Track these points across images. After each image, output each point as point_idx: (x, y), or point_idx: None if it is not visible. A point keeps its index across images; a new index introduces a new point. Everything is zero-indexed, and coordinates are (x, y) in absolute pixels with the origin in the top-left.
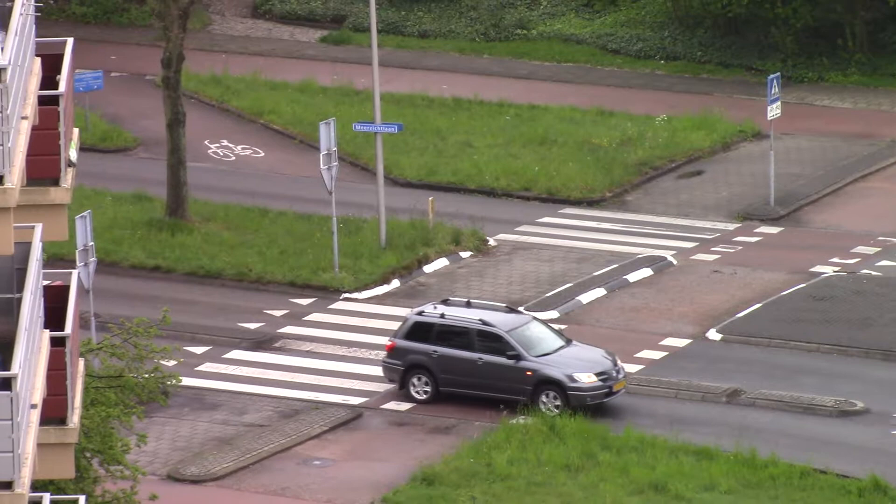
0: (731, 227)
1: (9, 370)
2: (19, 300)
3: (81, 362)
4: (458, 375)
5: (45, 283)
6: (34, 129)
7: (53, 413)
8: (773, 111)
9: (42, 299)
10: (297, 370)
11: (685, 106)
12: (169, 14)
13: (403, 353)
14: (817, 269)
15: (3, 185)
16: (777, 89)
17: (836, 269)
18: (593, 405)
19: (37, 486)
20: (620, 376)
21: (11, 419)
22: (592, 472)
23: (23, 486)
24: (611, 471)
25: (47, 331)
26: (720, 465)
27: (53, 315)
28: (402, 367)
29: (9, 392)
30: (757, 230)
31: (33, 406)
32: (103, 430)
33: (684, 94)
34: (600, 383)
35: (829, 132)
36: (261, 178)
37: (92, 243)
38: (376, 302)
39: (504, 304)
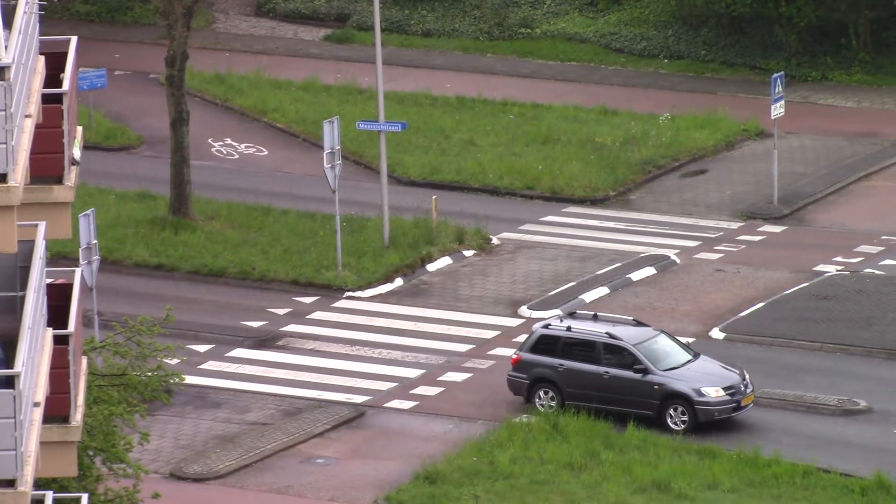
0: (735, 225)
1: (12, 368)
2: (23, 298)
3: (84, 360)
4: (583, 389)
5: (49, 281)
6: (38, 127)
7: (56, 411)
8: (777, 110)
9: (45, 297)
10: (301, 368)
11: (689, 105)
12: (173, 12)
13: (529, 366)
14: (820, 267)
15: (6, 183)
16: (781, 88)
17: (840, 268)
18: (721, 420)
19: (39, 484)
20: (748, 391)
21: (14, 417)
22: (595, 471)
23: (25, 485)
24: (614, 469)
25: (50, 329)
26: (723, 463)
27: (56, 313)
28: (527, 381)
29: (12, 390)
30: (760, 229)
31: (36, 404)
32: (106, 428)
33: (688, 93)
34: (728, 398)
35: (832, 131)
36: (264, 177)
37: (95, 241)
38: (380, 300)
39: (632, 318)
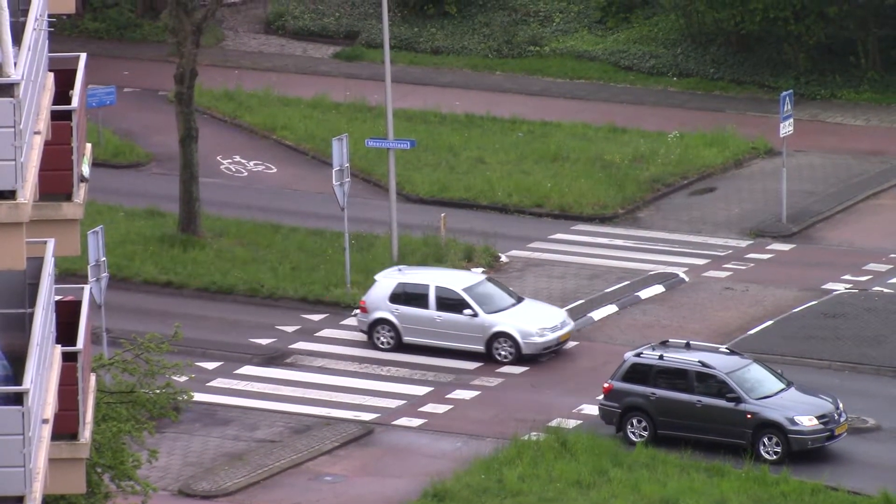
0: (744, 243)
1: (21, 385)
2: (31, 315)
3: (93, 377)
4: (676, 418)
5: (57, 298)
6: (47, 144)
7: (65, 428)
8: (786, 128)
9: (54, 314)
10: (309, 386)
11: (697, 122)
12: (182, 30)
13: (621, 395)
14: (829, 286)
15: (15, 199)
16: (789, 106)
17: (848, 286)
18: (814, 449)
19: (48, 500)
20: (842, 419)
21: (23, 434)
22: (604, 489)
23: (34, 501)
24: (622, 487)
25: (59, 346)
26: (731, 481)
27: (65, 330)
28: (619, 410)
29: (21, 407)
30: (769, 247)
31: (45, 421)
32: (115, 445)
33: (697, 111)
34: (821, 426)
35: (841, 149)
36: (273, 194)
37: (104, 258)
38: None
39: (724, 346)
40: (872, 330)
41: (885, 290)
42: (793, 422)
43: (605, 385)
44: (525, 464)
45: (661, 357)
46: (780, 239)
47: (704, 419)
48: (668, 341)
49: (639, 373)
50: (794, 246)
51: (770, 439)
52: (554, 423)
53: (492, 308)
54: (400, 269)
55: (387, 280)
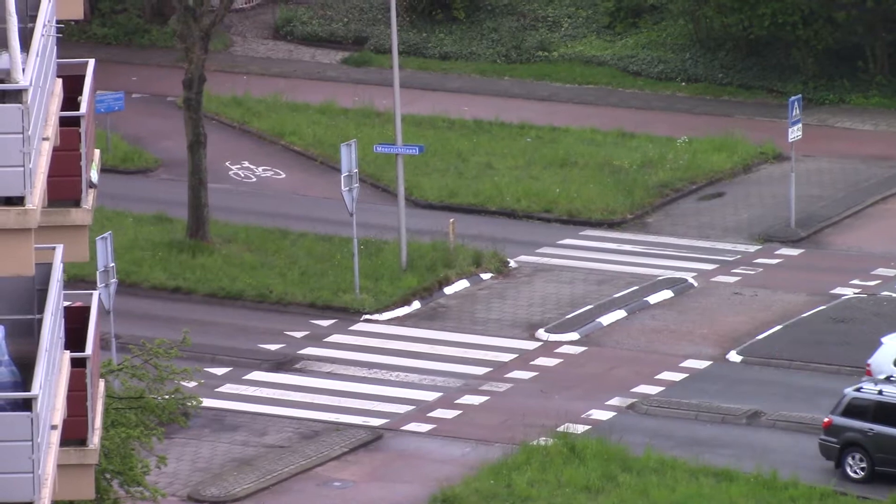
0: (752, 248)
1: (29, 391)
2: (40, 321)
3: (102, 383)
4: (893, 455)
5: (66, 304)
6: (55, 150)
7: (73, 434)
8: (794, 133)
9: (63, 320)
10: (318, 391)
11: (706, 128)
12: (190, 35)
13: (839, 430)
14: (837, 290)
15: (24, 206)
16: (798, 111)
17: (857, 290)
18: None
19: None
20: None
21: (32, 440)
22: (612, 494)
23: None
24: (631, 492)
25: (68, 352)
26: (740, 486)
27: (74, 336)
28: (837, 445)
29: (29, 413)
30: (777, 252)
31: (54, 427)
32: (123, 451)
33: (705, 116)
34: None
35: (849, 154)
36: (282, 200)
37: (113, 264)
38: (397, 323)
39: None
40: (881, 334)
41: (894, 295)
42: None
43: (825, 420)
44: (534, 469)
45: (880, 392)
46: (788, 244)
47: None
48: (892, 377)
49: (858, 408)
50: (802, 251)
51: None
52: (562, 428)
53: None
54: None
55: (893, 342)
